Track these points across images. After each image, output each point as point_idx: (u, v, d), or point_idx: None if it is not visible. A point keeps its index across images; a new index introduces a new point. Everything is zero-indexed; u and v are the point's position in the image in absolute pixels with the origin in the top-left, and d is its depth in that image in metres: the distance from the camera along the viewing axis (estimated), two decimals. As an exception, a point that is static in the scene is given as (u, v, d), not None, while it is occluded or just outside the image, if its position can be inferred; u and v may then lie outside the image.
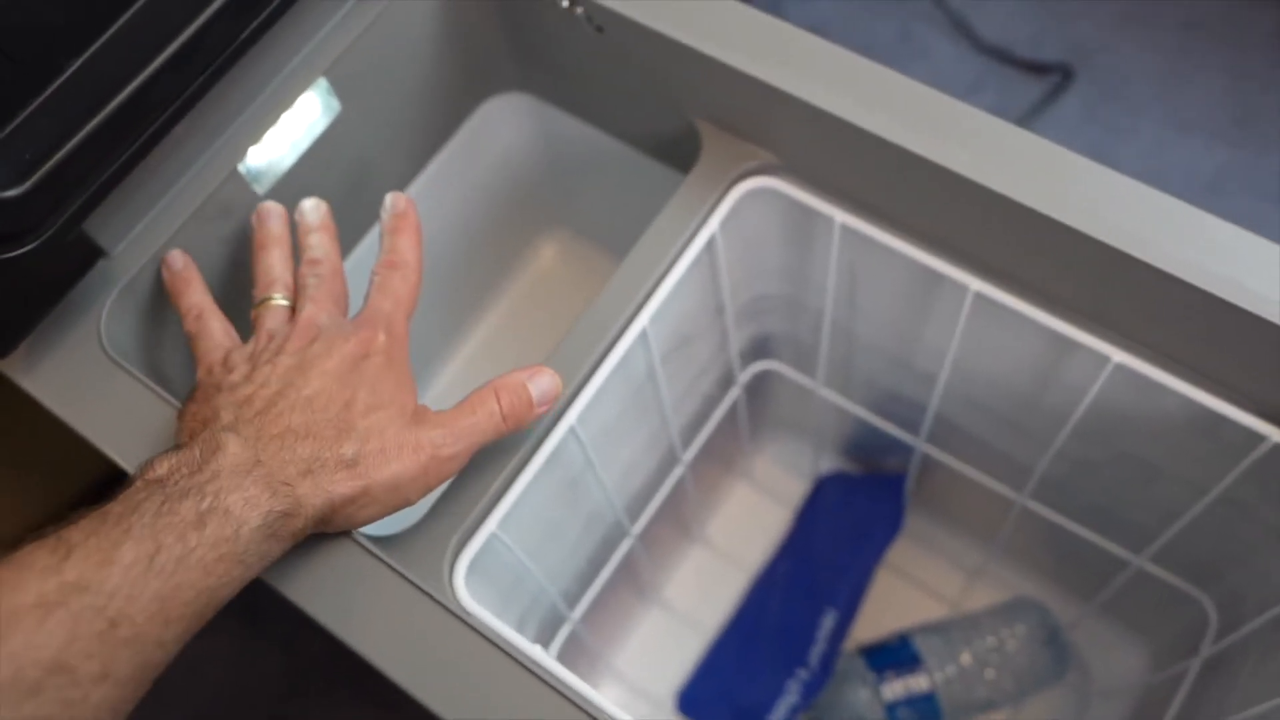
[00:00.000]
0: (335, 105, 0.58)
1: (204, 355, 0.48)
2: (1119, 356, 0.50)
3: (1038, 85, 1.11)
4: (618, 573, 0.67)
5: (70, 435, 0.50)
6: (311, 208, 0.53)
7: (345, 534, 0.45)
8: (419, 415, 0.45)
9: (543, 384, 0.47)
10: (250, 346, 0.47)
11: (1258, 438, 0.49)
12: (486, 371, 0.48)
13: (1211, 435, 0.51)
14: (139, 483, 0.40)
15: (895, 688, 0.72)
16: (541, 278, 0.86)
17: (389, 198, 0.52)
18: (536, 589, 0.58)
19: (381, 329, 0.47)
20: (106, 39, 0.46)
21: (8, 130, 0.44)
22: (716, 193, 0.54)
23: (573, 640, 0.65)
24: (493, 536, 0.48)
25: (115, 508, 0.38)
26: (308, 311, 0.47)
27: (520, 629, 0.57)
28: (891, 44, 1.15)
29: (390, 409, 0.45)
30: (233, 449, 0.41)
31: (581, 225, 0.84)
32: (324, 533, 0.45)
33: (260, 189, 0.56)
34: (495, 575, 0.52)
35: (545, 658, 0.43)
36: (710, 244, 0.55)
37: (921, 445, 0.67)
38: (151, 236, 0.53)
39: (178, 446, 0.42)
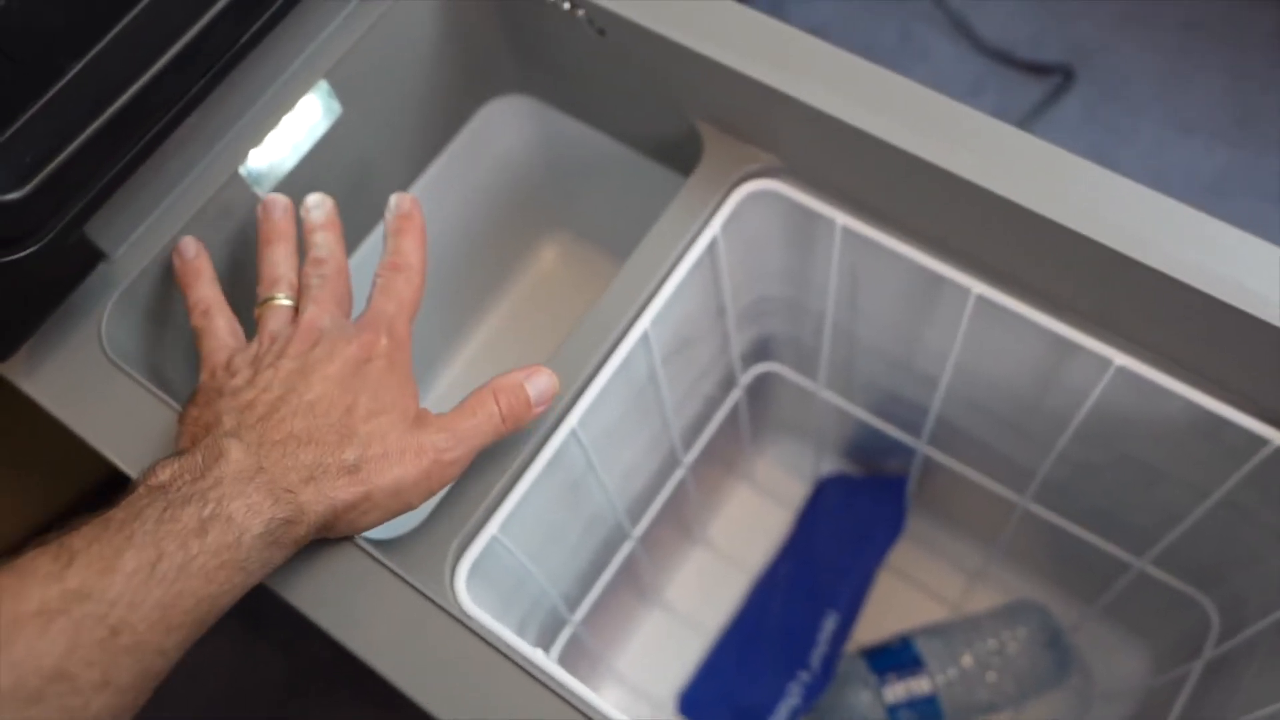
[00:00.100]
0: (336, 107, 0.58)
1: (208, 356, 0.48)
2: (1121, 359, 0.50)
3: (1039, 86, 1.11)
4: (619, 575, 0.67)
5: (71, 436, 0.50)
6: (316, 204, 0.52)
7: (347, 539, 0.45)
8: (420, 419, 0.45)
9: (540, 383, 0.47)
10: (253, 349, 0.47)
11: (1260, 441, 0.49)
12: (487, 373, 0.48)
13: (1214, 438, 0.51)
14: (141, 489, 0.40)
15: (896, 690, 0.72)
16: (542, 280, 0.86)
17: (393, 198, 0.51)
18: (538, 591, 0.58)
19: (384, 332, 0.47)
20: (107, 42, 0.46)
21: (8, 133, 0.44)
22: (718, 195, 0.54)
23: (574, 642, 0.65)
24: (494, 540, 0.48)
25: (117, 514, 0.38)
26: (310, 313, 0.47)
27: (521, 631, 0.57)
28: (892, 45, 1.15)
29: (392, 413, 0.45)
30: (235, 455, 0.41)
31: (583, 227, 0.84)
32: (327, 538, 0.44)
33: (261, 191, 0.56)
34: (496, 578, 0.52)
35: (546, 661, 0.43)
36: (712, 246, 0.55)
37: (923, 448, 0.67)
38: (152, 239, 0.53)
39: (180, 452, 0.42)
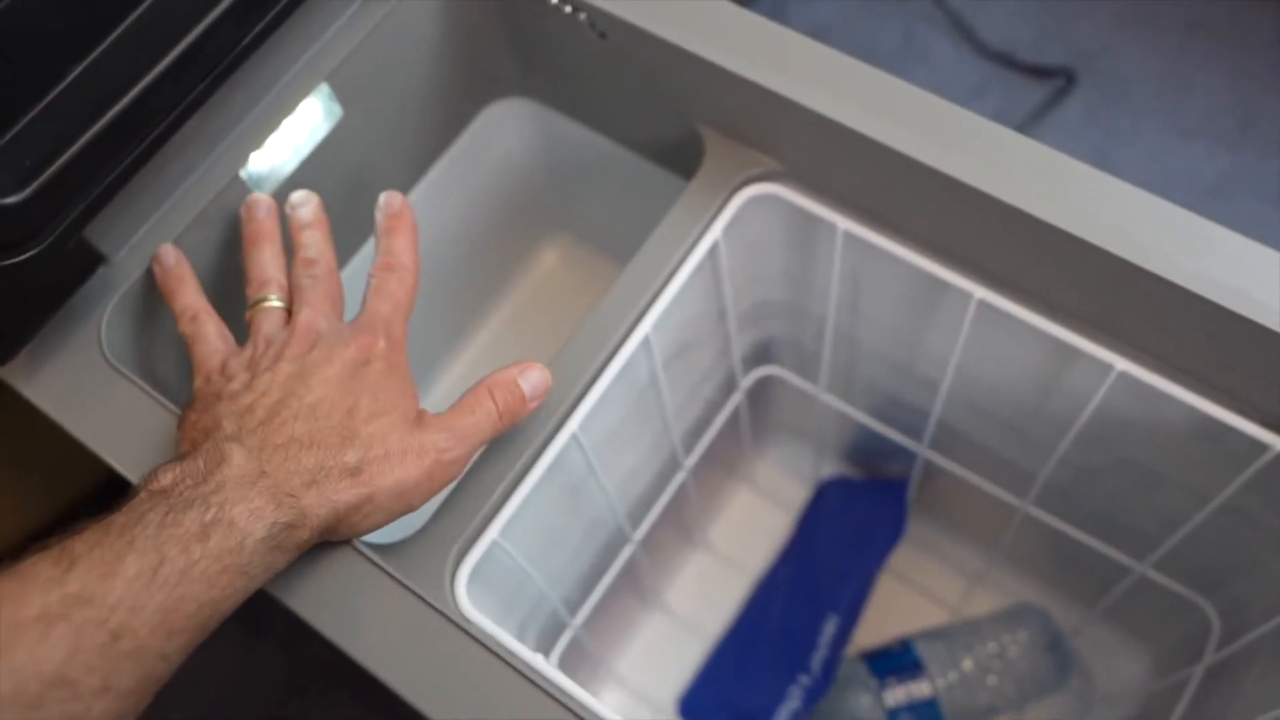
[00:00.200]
0: (337, 110, 0.58)
1: (201, 362, 0.48)
2: (1123, 365, 0.50)
3: (1040, 89, 1.11)
4: (619, 578, 0.67)
5: (70, 437, 0.50)
6: (302, 201, 0.51)
7: (346, 543, 0.45)
8: (420, 420, 0.45)
9: (533, 378, 0.47)
10: (248, 352, 0.47)
11: (1262, 447, 0.48)
12: (488, 376, 0.48)
13: (1215, 443, 0.50)
14: (143, 494, 0.40)
15: (897, 694, 0.72)
16: (543, 283, 0.86)
17: (383, 197, 0.51)
18: (538, 595, 0.58)
19: (381, 334, 0.47)
20: (108, 44, 0.46)
21: (8, 136, 0.44)
22: (719, 199, 0.54)
23: (574, 646, 0.65)
24: (494, 544, 0.48)
25: (119, 518, 0.38)
26: (305, 316, 0.47)
27: (521, 636, 0.57)
28: (894, 47, 1.15)
29: (393, 415, 0.44)
30: (237, 460, 0.41)
31: (584, 230, 0.84)
32: (328, 541, 0.44)
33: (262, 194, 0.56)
34: (496, 582, 0.52)
35: (546, 666, 0.43)
36: (713, 250, 0.55)
37: (924, 451, 0.67)
38: (152, 243, 0.53)
39: (181, 457, 0.42)
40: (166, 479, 0.40)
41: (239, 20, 0.49)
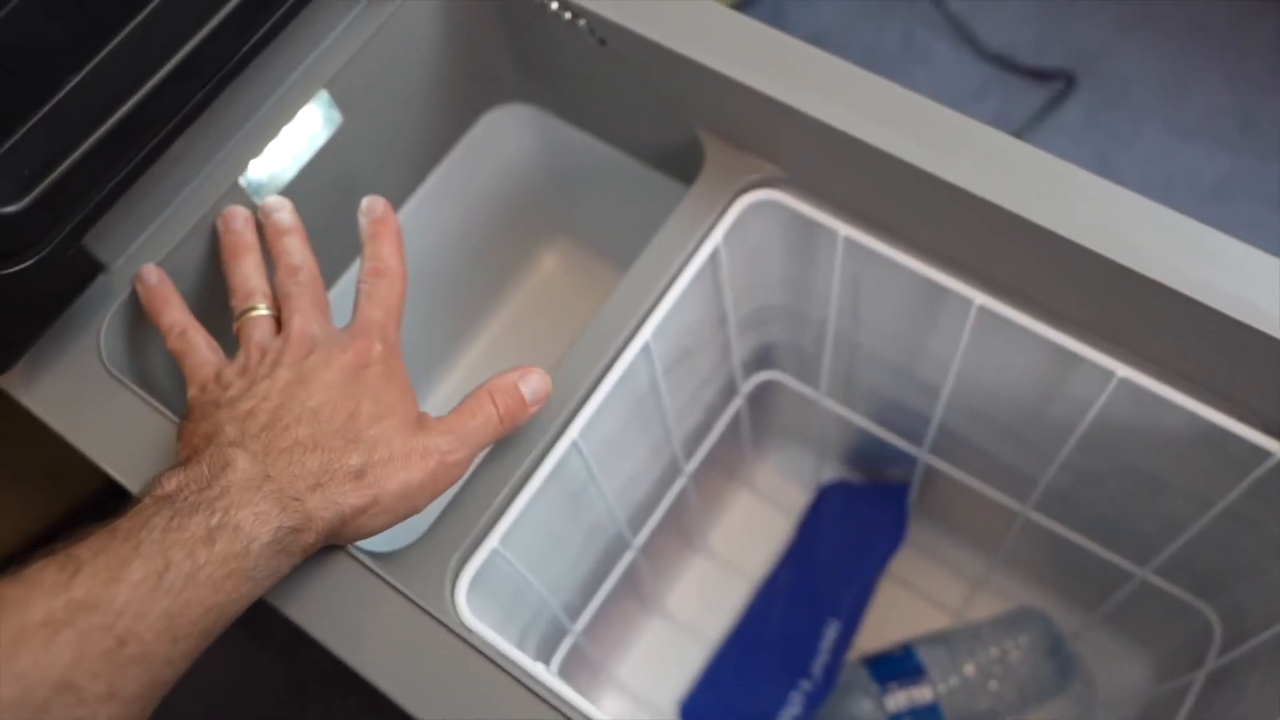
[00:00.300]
0: (336, 117, 0.58)
1: (194, 372, 0.48)
2: (1124, 371, 0.50)
3: (1041, 91, 1.11)
4: (620, 584, 0.66)
5: (70, 444, 0.49)
6: (279, 206, 0.52)
7: (346, 552, 0.45)
8: (422, 422, 0.45)
9: (533, 383, 0.48)
10: (241, 360, 0.47)
11: (1263, 454, 0.48)
12: (488, 381, 0.48)
13: (1216, 450, 0.50)
14: (147, 499, 0.40)
15: (898, 699, 0.72)
16: (543, 288, 0.86)
17: (366, 201, 0.51)
18: (538, 602, 0.58)
19: (377, 338, 0.47)
20: (107, 53, 0.46)
21: (7, 145, 0.44)
22: (720, 205, 0.54)
23: (575, 652, 0.65)
24: (495, 552, 0.48)
25: (124, 524, 0.38)
26: (297, 322, 0.47)
27: (522, 642, 0.57)
28: (895, 50, 1.15)
29: (394, 418, 0.45)
30: (241, 465, 0.41)
31: (584, 235, 0.84)
32: (333, 545, 0.44)
33: (261, 202, 0.56)
34: (497, 589, 0.51)
35: (547, 675, 0.43)
36: (714, 257, 0.55)
37: (924, 456, 0.67)
38: (151, 251, 0.53)
39: (184, 463, 0.42)
40: (170, 485, 0.40)
41: (238, 28, 0.49)
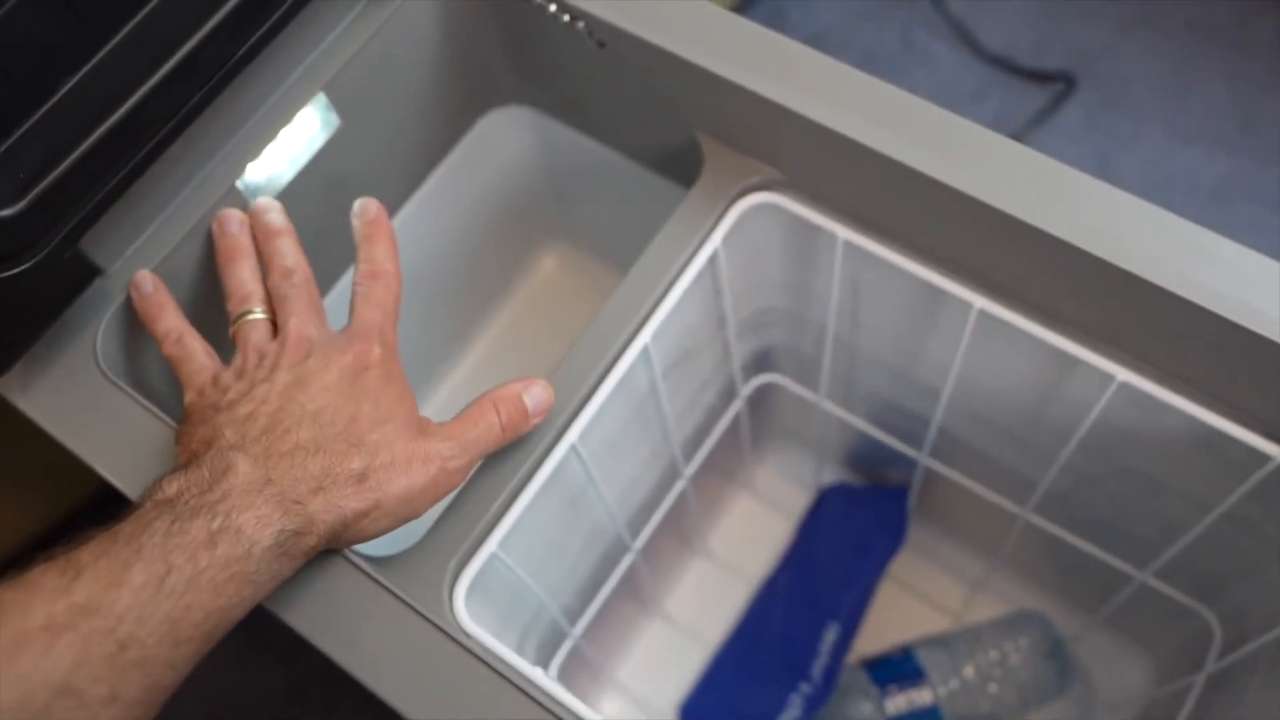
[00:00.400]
0: (334, 120, 0.58)
1: (191, 378, 0.48)
2: (1123, 375, 0.50)
3: (1040, 93, 1.11)
4: (619, 587, 0.66)
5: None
6: (269, 207, 0.52)
7: (344, 557, 0.45)
8: (423, 427, 0.45)
9: (536, 394, 0.48)
10: (238, 364, 0.47)
11: (1263, 457, 0.48)
12: (487, 384, 0.48)
13: (1216, 453, 0.50)
14: (148, 503, 0.40)
15: (898, 701, 0.72)
16: (542, 290, 0.86)
17: (359, 204, 0.51)
18: (537, 606, 0.57)
19: (375, 341, 0.47)
20: (102, 56, 0.46)
21: (3, 148, 0.44)
22: (719, 208, 0.54)
23: (574, 655, 0.65)
24: (493, 556, 0.48)
25: (125, 528, 0.38)
26: (295, 325, 0.47)
27: (521, 646, 0.57)
28: (894, 51, 1.15)
29: (396, 422, 0.45)
30: (243, 468, 0.41)
31: (582, 238, 0.84)
32: (331, 549, 0.44)
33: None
34: (495, 594, 0.51)
35: (546, 680, 0.43)
36: (713, 259, 0.55)
37: (924, 459, 0.67)
38: (148, 254, 0.52)
39: (184, 467, 0.42)
40: (171, 489, 0.40)
41: (235, 31, 0.49)
